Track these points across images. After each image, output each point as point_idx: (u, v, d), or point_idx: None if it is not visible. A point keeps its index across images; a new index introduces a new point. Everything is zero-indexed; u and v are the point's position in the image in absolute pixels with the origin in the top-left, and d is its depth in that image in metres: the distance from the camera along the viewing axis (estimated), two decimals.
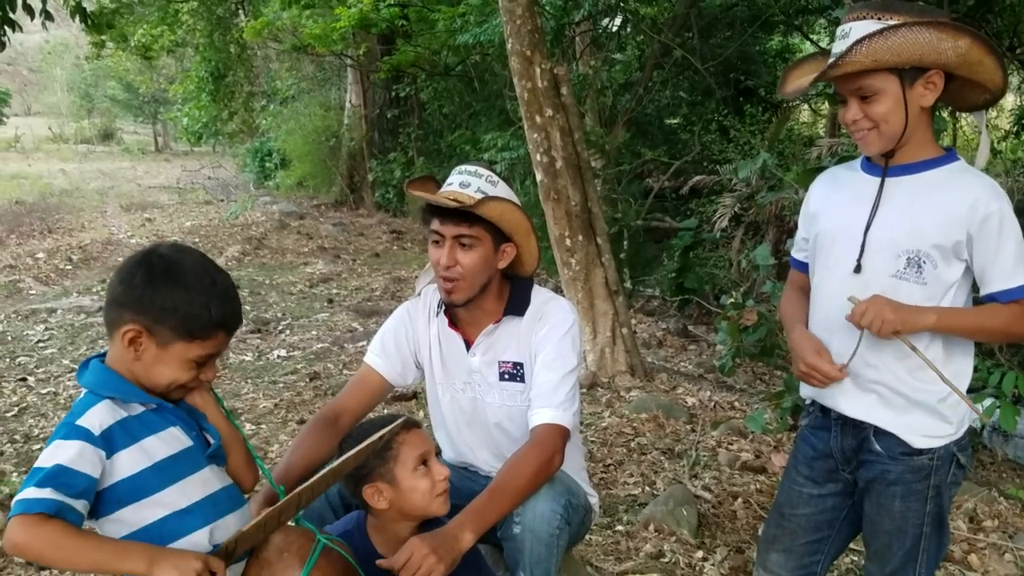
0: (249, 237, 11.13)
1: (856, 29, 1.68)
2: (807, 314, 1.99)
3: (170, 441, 1.54)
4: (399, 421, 1.80)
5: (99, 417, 1.47)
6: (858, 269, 1.83)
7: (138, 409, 1.53)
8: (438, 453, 1.93)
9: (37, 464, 1.43)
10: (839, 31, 1.74)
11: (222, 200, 16.12)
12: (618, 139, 8.34)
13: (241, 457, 1.68)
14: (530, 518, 1.95)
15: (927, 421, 1.83)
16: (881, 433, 1.86)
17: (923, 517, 1.86)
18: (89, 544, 1.41)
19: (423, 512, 1.85)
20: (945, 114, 8.67)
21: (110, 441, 1.47)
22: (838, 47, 1.72)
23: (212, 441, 1.62)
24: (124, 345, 1.50)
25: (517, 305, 2.22)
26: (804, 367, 1.87)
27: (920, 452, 1.83)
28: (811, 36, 11.22)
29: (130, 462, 1.49)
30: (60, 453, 1.42)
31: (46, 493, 1.38)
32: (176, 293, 1.49)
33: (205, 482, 1.58)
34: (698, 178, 6.86)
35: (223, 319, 1.54)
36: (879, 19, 1.66)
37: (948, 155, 1.80)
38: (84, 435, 1.44)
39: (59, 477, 1.40)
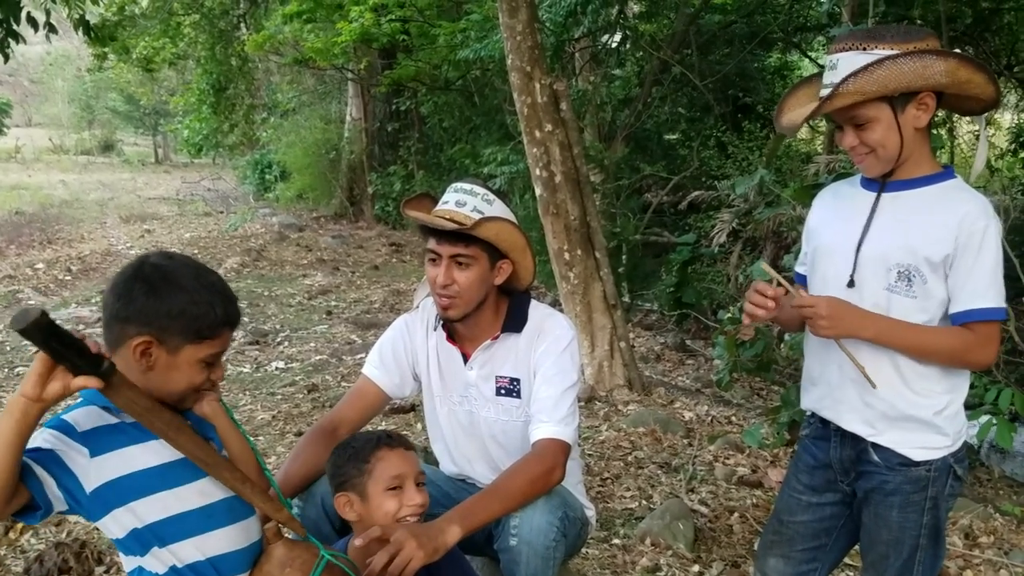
0: (248, 249, 11.15)
1: (843, 61, 1.72)
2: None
3: (166, 449, 1.54)
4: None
5: (84, 417, 1.48)
6: (851, 284, 1.86)
7: None
8: (420, 483, 1.89)
9: None
10: (827, 61, 1.78)
11: (222, 212, 16.14)
12: (617, 154, 8.37)
13: (251, 469, 1.67)
14: (527, 530, 1.96)
15: (923, 434, 1.85)
16: (879, 446, 1.88)
17: (920, 529, 1.88)
18: None
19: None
20: (943, 131, 8.74)
21: (94, 442, 1.48)
22: (827, 78, 1.76)
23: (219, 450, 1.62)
24: (135, 358, 1.49)
25: (515, 322, 2.23)
26: (758, 287, 1.86)
27: (918, 464, 1.85)
28: (809, 54, 11.30)
29: (118, 465, 1.49)
30: (36, 439, 1.43)
31: None
32: (179, 298, 1.50)
33: (202, 492, 1.57)
34: (696, 193, 6.88)
35: (227, 315, 1.56)
36: (864, 49, 1.71)
37: (945, 172, 1.83)
38: (63, 427, 1.46)
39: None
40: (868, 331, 1.78)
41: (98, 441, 1.48)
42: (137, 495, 1.51)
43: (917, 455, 1.85)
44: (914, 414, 1.83)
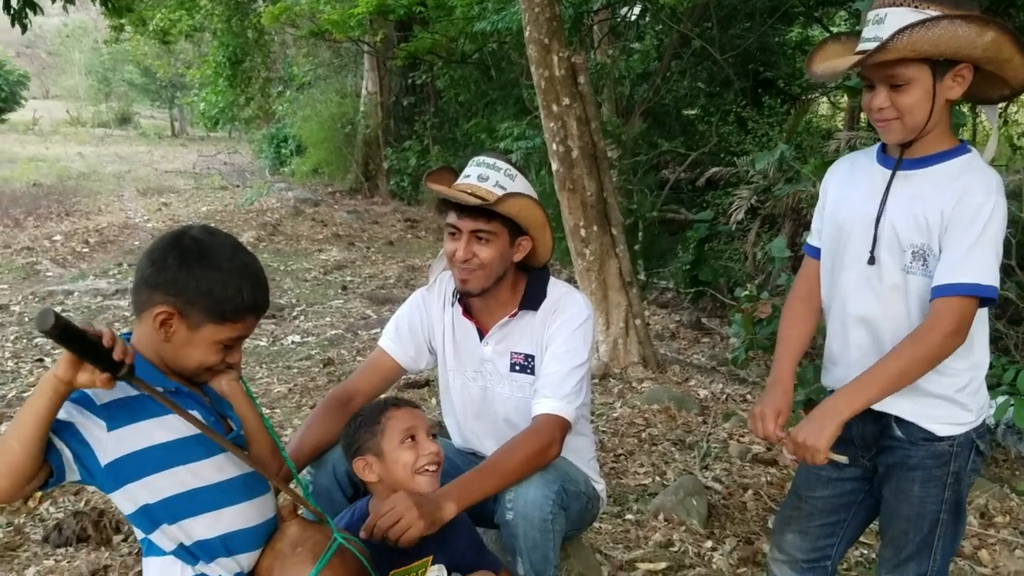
0: (264, 223, 11.18)
1: (892, 16, 1.67)
2: (802, 342, 2.00)
3: (184, 424, 1.53)
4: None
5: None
6: (872, 261, 1.83)
7: (158, 389, 1.53)
8: (435, 435, 1.94)
9: None
10: (872, 15, 1.72)
11: (238, 186, 16.17)
12: (635, 129, 8.31)
13: (266, 446, 1.68)
14: (521, 504, 1.97)
15: (947, 410, 1.83)
16: (903, 421, 1.86)
17: (941, 504, 1.86)
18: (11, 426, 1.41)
19: (407, 486, 1.85)
20: (965, 108, 8.59)
21: (112, 415, 1.48)
22: (871, 32, 1.70)
23: (234, 428, 1.62)
24: (155, 327, 1.50)
25: (533, 299, 2.23)
26: (756, 411, 1.90)
27: (941, 439, 1.84)
28: (831, 28, 11.13)
29: (136, 438, 1.50)
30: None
31: None
32: (210, 275, 1.49)
33: (219, 468, 1.57)
34: (715, 170, 6.83)
35: (255, 302, 1.55)
36: (916, 7, 1.65)
37: (960, 147, 1.79)
38: (83, 400, 1.46)
39: None
40: (844, 412, 1.74)
41: (116, 414, 1.48)
42: (153, 469, 1.51)
43: (941, 430, 1.83)
44: (937, 392, 1.81)
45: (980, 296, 1.70)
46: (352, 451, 1.90)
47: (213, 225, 1.65)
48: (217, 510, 1.57)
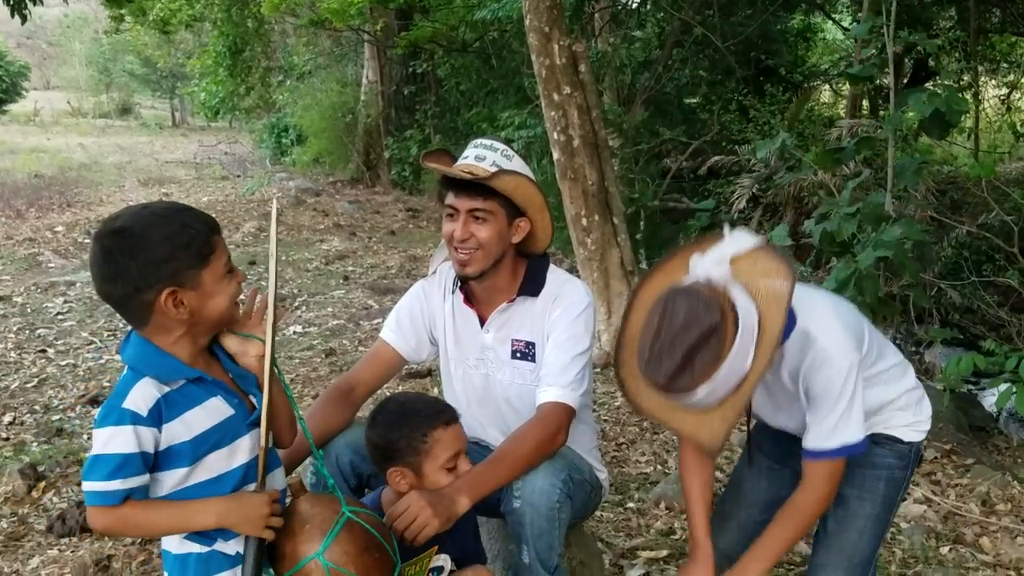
0: (265, 213, 11.15)
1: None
2: (707, 493, 2.03)
3: (211, 412, 1.56)
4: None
5: (143, 397, 1.50)
6: None
7: (180, 382, 1.55)
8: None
9: (97, 451, 1.48)
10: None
11: (239, 176, 16.13)
12: (636, 118, 8.28)
13: (284, 420, 1.70)
14: (529, 492, 1.98)
15: (904, 416, 1.90)
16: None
17: (892, 507, 1.93)
18: (159, 515, 1.53)
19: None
20: (969, 95, 8.56)
21: (158, 416, 1.51)
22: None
23: (256, 407, 1.63)
24: (173, 311, 1.50)
25: (532, 285, 2.23)
26: None
27: (905, 443, 1.91)
28: (833, 15, 11.09)
29: (171, 435, 1.52)
30: (118, 441, 1.47)
31: (115, 485, 1.47)
32: (157, 241, 1.49)
33: (242, 450, 1.60)
34: (716, 158, 6.81)
35: (207, 224, 1.56)
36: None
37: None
38: (133, 418, 1.48)
39: (124, 467, 1.47)
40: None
41: (159, 414, 1.51)
42: (185, 462, 1.54)
43: (908, 436, 1.90)
44: (895, 423, 1.90)
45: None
46: (385, 457, 1.88)
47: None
48: (246, 485, 1.60)
